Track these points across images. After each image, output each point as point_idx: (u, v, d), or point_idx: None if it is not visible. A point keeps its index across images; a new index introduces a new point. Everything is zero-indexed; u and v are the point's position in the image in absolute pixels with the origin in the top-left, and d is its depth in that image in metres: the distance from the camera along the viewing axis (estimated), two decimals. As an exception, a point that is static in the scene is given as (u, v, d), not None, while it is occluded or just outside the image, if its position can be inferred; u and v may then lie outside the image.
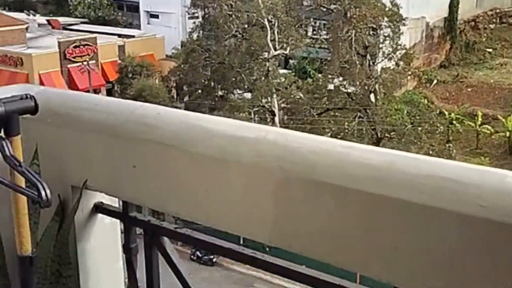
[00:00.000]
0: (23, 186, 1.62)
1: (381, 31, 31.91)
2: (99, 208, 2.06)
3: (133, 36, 36.52)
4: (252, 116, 30.51)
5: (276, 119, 31.63)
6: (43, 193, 1.46)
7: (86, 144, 1.92)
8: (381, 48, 31.94)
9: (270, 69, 31.44)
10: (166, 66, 34.19)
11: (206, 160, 1.67)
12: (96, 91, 31.18)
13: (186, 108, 32.54)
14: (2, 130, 1.55)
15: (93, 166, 1.93)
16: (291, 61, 35.49)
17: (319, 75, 32.86)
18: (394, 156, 1.46)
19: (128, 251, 2.05)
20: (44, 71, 30.03)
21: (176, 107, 33.92)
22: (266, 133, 1.63)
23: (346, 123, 31.31)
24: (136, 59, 32.50)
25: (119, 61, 32.62)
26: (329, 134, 29.78)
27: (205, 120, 1.77)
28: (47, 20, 38.08)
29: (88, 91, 29.69)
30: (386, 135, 29.80)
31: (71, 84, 31.02)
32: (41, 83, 29.82)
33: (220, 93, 33.13)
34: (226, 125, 1.72)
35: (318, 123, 31.60)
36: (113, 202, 2.03)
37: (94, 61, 31.76)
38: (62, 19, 39.03)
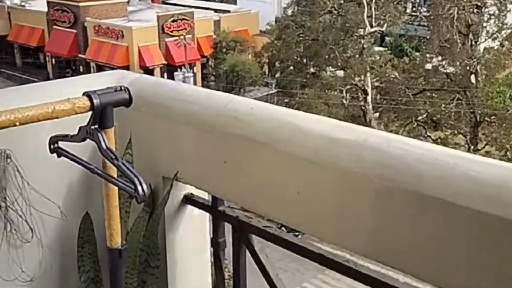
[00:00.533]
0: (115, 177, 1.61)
1: (486, 9, 30.04)
2: (189, 199, 2.03)
3: (229, 11, 36.80)
4: (344, 94, 29.94)
5: (369, 98, 30.86)
6: (139, 188, 1.43)
7: (178, 135, 1.89)
8: (485, 27, 30.10)
9: (365, 46, 30.60)
10: (260, 42, 34.24)
11: (300, 161, 1.58)
12: (191, 65, 31.85)
13: (277, 85, 32.57)
14: (97, 122, 1.54)
15: (184, 159, 1.90)
16: (387, 39, 34.36)
17: (417, 53, 31.60)
18: (509, 171, 1.29)
19: (216, 245, 2.01)
20: (143, 44, 30.99)
21: (267, 83, 34.00)
22: (367, 136, 1.51)
23: (443, 105, 29.98)
24: (231, 34, 32.77)
25: (214, 36, 33.04)
26: (424, 116, 28.69)
27: (300, 118, 1.67)
28: (147, -6, 39.22)
29: (183, 65, 30.41)
30: (486, 119, 28.20)
31: (168, 58, 31.86)
32: (140, 56, 30.89)
33: (312, 70, 32.76)
34: (323, 125, 1.62)
35: (412, 104, 30.50)
36: (203, 194, 1.99)
37: (190, 36, 32.37)
38: (161, -7, 40.08)
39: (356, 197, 1.48)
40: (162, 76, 31.69)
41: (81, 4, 31.76)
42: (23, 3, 35.23)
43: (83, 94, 1.53)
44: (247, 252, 1.92)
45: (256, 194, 1.72)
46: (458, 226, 1.30)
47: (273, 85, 33.49)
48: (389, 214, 1.42)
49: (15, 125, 1.38)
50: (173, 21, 32.53)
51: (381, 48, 32.92)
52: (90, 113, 1.53)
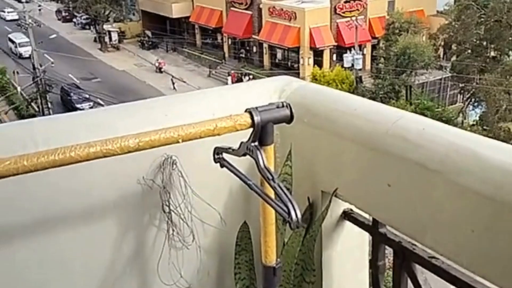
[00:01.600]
0: (272, 197, 1.56)
1: None
2: (348, 216, 1.93)
3: (404, -10, 35.39)
4: (529, 81, 27.28)
5: (558, 86, 27.77)
6: (293, 213, 1.37)
7: (340, 150, 1.79)
8: None
9: (557, 29, 27.52)
10: (436, 23, 32.47)
11: (476, 197, 1.39)
12: (361, 46, 31.30)
13: (452, 68, 30.66)
14: (257, 139, 1.50)
15: (345, 175, 1.79)
16: None
17: None
18: None
19: (375, 267, 1.89)
20: (314, 25, 31.11)
21: (441, 67, 32.21)
22: None
23: None
24: (405, 15, 31.50)
25: (387, 17, 32.03)
26: None
27: (480, 144, 1.47)
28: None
29: (353, 47, 30.00)
30: None
31: (338, 39, 31.66)
32: (311, 37, 31.10)
33: (492, 54, 30.32)
34: (509, 154, 1.40)
35: None
36: (363, 211, 1.88)
37: (362, 17, 31.77)
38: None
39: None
40: (331, 57, 31.64)
41: (257, -14, 32.76)
42: (205, -14, 37.34)
43: (245, 111, 1.50)
44: (409, 280, 1.77)
45: (421, 224, 1.56)
46: None
47: (448, 69, 31.63)
48: None
49: (178, 142, 1.38)
50: (346, 2, 32.16)
51: None
52: (251, 129, 1.49)
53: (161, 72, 34.25)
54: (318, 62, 31.14)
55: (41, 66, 28.58)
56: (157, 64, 34.15)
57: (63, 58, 33.91)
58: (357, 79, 29.93)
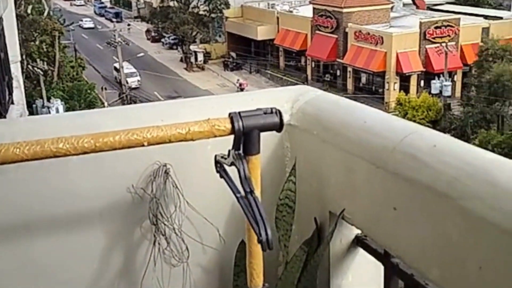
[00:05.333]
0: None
1: None
2: (361, 242, 1.72)
3: (501, 18, 33.83)
4: None
5: None
6: (263, 233, 1.20)
7: (348, 167, 1.59)
8: None
9: None
10: (534, 51, 30.65)
11: (486, 226, 1.16)
12: (451, 73, 30.14)
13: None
14: (240, 147, 1.35)
15: (353, 196, 1.60)
16: None
17: None
18: None
19: (387, 302, 1.66)
20: (402, 50, 30.34)
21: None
22: None
23: None
24: (500, 42, 30.03)
25: (481, 44, 30.68)
26: None
27: (496, 165, 1.24)
28: (412, 0, 38.31)
29: (442, 73, 28.95)
30: None
31: (427, 65, 30.67)
32: (397, 62, 30.35)
33: None
34: (527, 180, 1.16)
35: None
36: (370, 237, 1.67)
37: (453, 43, 30.64)
38: (427, -1, 38.83)
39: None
40: (418, 83, 30.71)
41: (344, 10, 32.53)
42: (291, 9, 37.58)
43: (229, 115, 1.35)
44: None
45: (429, 257, 1.34)
46: None
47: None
48: None
49: (143, 145, 1.26)
50: (436, 27, 31.18)
51: None
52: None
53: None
54: (405, 88, 30.27)
55: (127, 83, 29.63)
56: (238, 85, 34.61)
57: (150, 76, 35.12)
58: (445, 106, 28.77)
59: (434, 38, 30.86)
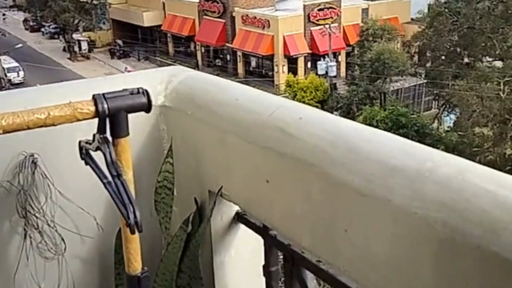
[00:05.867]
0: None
1: None
2: (242, 218, 1.75)
3: (378, -2, 35.61)
4: (501, 87, 27.52)
5: (531, 91, 28.06)
6: (131, 216, 1.18)
7: (224, 145, 1.60)
8: None
9: (529, 34, 27.83)
10: (410, 30, 32.68)
11: (350, 191, 1.21)
12: (335, 54, 31.34)
13: (427, 75, 30.84)
14: (106, 130, 1.31)
15: (230, 173, 1.61)
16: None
17: None
18: None
19: (268, 274, 1.71)
20: (288, 33, 31.08)
21: (416, 73, 32.35)
22: (435, 165, 1.11)
23: None
24: (379, 22, 31.65)
25: (361, 24, 32.14)
26: None
27: (357, 134, 1.30)
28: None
29: (327, 54, 30.03)
30: None
31: (312, 47, 31.66)
32: (284, 45, 31.05)
33: (466, 60, 30.59)
34: (383, 146, 1.23)
35: None
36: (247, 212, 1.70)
37: (336, 24, 31.82)
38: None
39: (415, 246, 1.09)
40: (305, 65, 31.65)
41: (230, -6, 32.70)
42: (177, -6, 37.14)
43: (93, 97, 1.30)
44: (302, 288, 1.59)
45: (300, 225, 1.39)
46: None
47: (422, 75, 31.81)
48: (456, 278, 1.02)
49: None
50: (319, 9, 32.21)
51: (549, 36, 29.76)
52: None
53: (132, 81, 33.55)
54: (293, 70, 31.08)
55: (6, 76, 27.91)
56: (126, 73, 33.75)
57: (31, 68, 33.25)
58: (331, 86, 29.91)
59: (317, 20, 31.87)
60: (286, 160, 1.38)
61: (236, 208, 1.74)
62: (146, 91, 1.36)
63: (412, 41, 32.25)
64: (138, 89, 1.36)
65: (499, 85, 27.34)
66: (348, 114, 27.82)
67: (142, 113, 1.38)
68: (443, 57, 31.31)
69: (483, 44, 29.43)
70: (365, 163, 1.21)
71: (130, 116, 1.35)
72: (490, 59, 29.68)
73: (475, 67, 29.35)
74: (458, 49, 30.89)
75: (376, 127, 1.42)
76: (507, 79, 27.78)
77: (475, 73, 28.55)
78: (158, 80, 1.79)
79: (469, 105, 26.72)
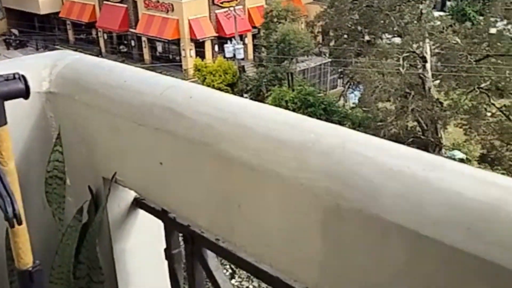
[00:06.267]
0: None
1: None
2: (140, 203, 1.71)
3: (280, -20, 35.97)
4: (401, 62, 28.80)
5: (428, 65, 29.60)
6: (9, 209, 1.12)
7: (114, 129, 1.56)
8: (555, -15, 28.06)
9: (423, 11, 29.22)
10: (313, 11, 33.34)
11: (241, 167, 1.22)
12: (242, 36, 31.43)
13: (331, 54, 31.68)
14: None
15: (122, 158, 1.57)
16: (448, 3, 32.72)
17: (480, 17, 29.90)
18: (507, 193, 0.89)
19: (170, 257, 1.69)
20: (193, 16, 30.77)
21: (321, 52, 33.07)
22: (318, 136, 1.13)
23: (508, 71, 28.36)
24: (282, 3, 32.04)
25: (265, 6, 32.40)
26: (487, 83, 27.24)
27: (246, 110, 1.31)
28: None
29: (234, 37, 30.06)
30: (557, 84, 26.36)
31: (219, 30, 31.56)
32: (190, 28, 30.74)
33: (367, 38, 31.68)
34: (270, 121, 1.24)
35: (475, 71, 29.02)
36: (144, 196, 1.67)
37: (240, 7, 31.89)
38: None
39: (303, 215, 1.12)
40: (213, 48, 31.52)
41: (131, -22, 31.85)
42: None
43: (-36, 85, 1.22)
44: (205, 268, 1.59)
45: (195, 205, 1.38)
46: (425, 263, 0.92)
47: (327, 55, 32.63)
48: (342, 241, 1.05)
49: None
50: (223, -8, 32.11)
51: (441, 13, 31.42)
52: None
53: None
54: (201, 54, 30.87)
55: None
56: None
57: None
58: (239, 68, 30.03)
59: (222, 3, 31.77)
60: (178, 140, 1.36)
61: (133, 193, 1.71)
62: (23, 76, 1.29)
63: (315, 21, 32.93)
64: (14, 74, 1.28)
65: (399, 60, 28.62)
66: (258, 96, 28.08)
67: (26, 101, 1.31)
68: (345, 36, 32.23)
69: (382, 22, 30.56)
70: (253, 138, 1.22)
71: (12, 104, 1.28)
72: (389, 36, 30.91)
73: (376, 44, 30.50)
74: (359, 28, 31.90)
75: (286, 107, 1.43)
76: (406, 54, 29.13)
77: (376, 50, 29.70)
78: (42, 65, 1.71)
79: (371, 81, 27.77)
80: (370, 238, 1.00)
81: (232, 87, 28.21)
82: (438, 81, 29.30)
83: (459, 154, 24.49)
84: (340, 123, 24.48)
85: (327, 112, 26.59)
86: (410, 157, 1.02)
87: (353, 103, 30.50)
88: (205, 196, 1.34)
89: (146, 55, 32.56)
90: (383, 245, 0.98)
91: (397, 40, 30.51)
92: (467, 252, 0.85)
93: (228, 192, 1.27)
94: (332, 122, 1.24)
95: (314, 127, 1.17)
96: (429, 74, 28.32)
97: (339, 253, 1.07)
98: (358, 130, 1.21)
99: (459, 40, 29.44)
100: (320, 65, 32.14)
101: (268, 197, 1.18)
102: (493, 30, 29.41)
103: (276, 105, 1.41)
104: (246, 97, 22.61)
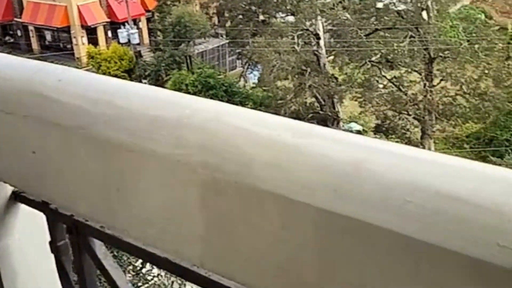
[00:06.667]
0: None
1: None
2: (19, 196, 1.62)
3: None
4: (296, 40, 29.42)
5: (321, 42, 30.46)
6: None
7: (-19, 120, 1.46)
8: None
9: (313, -12, 29.93)
10: (206, -8, 33.11)
11: (117, 149, 1.18)
12: (135, 20, 30.65)
13: (228, 35, 31.70)
14: None
15: (-7, 149, 1.47)
16: (336, -20, 33.69)
17: (367, -8, 31.09)
18: (365, 153, 0.92)
19: (55, 250, 1.62)
20: (82, 2, 29.56)
21: (218, 34, 32.99)
22: (193, 112, 1.12)
23: (396, 44, 29.82)
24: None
25: (157, -12, 31.76)
26: (378, 56, 28.49)
27: (119, 89, 1.26)
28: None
29: (127, 22, 29.25)
30: (440, 54, 28.08)
31: (111, 15, 30.57)
32: (80, 15, 29.54)
33: (261, 17, 32.01)
34: (145, 98, 1.21)
35: (366, 45, 30.25)
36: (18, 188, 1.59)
37: (132, -10, 31.03)
38: None
39: (182, 192, 1.10)
40: (106, 34, 30.51)
41: (11, -37, 30.01)
42: None
43: None
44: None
45: (73, 193, 1.33)
46: (298, 228, 0.94)
47: (224, 36, 32.64)
48: (221, 214, 1.05)
49: None
50: (112, -24, 31.05)
51: (331, -10, 32.29)
52: None
53: None
54: (93, 40, 29.79)
55: None
56: None
57: None
58: (136, 54, 29.35)
59: (112, -13, 30.76)
60: (50, 126, 1.30)
61: (10, 187, 1.61)
62: None
63: (210, 2, 32.78)
64: None
65: (294, 39, 29.19)
66: (157, 81, 27.63)
67: None
68: (240, 16, 32.38)
69: (274, 1, 30.98)
70: (128, 118, 1.18)
71: None
72: (283, 15, 31.41)
73: (271, 24, 30.90)
74: (253, 8, 32.16)
75: (187, 91, 1.38)
76: (300, 32, 29.75)
77: (271, 29, 30.08)
78: None
79: (269, 60, 28.16)
80: (247, 208, 1.00)
81: (130, 73, 27.54)
82: (332, 57, 30.28)
83: (356, 126, 25.60)
84: (242, 103, 24.68)
85: (228, 94, 26.69)
86: (281, 126, 1.03)
87: (253, 83, 30.82)
88: (84, 183, 1.29)
89: (35, 45, 30.93)
90: (260, 214, 0.99)
91: (291, 18, 31.09)
92: (336, 212, 0.88)
93: (106, 176, 1.23)
94: (234, 103, 1.23)
95: (189, 103, 1.15)
96: (323, 51, 29.17)
97: (219, 226, 1.06)
98: (260, 110, 1.21)
99: (349, 16, 30.49)
100: (218, 46, 32.09)
101: (147, 177, 1.15)
102: (379, 5, 30.70)
103: (176, 89, 1.38)
104: (145, 83, 22.12)
